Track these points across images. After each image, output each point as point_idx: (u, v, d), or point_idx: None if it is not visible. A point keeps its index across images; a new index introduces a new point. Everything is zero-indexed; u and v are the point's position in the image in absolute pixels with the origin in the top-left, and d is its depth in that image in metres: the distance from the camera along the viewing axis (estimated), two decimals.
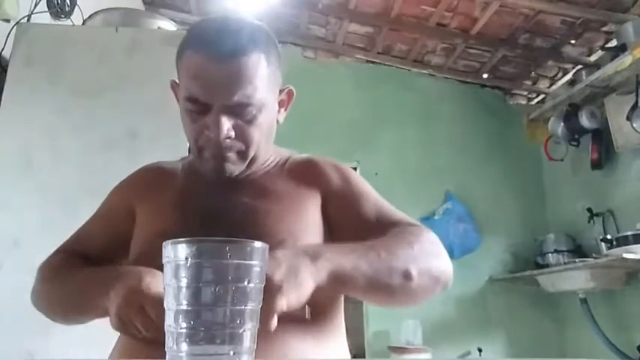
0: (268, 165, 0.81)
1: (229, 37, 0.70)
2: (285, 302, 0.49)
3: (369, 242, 0.65)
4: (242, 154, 0.73)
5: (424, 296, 0.68)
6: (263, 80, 0.71)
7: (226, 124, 0.69)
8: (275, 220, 0.71)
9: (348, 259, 0.59)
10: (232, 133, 0.70)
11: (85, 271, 0.74)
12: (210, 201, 0.74)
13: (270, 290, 0.46)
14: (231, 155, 0.72)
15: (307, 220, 0.74)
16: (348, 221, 0.76)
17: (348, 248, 0.62)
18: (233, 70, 0.68)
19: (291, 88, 0.82)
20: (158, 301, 0.48)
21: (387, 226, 0.73)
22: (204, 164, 0.74)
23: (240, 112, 0.70)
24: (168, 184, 0.80)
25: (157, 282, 0.57)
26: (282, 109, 0.81)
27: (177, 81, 0.79)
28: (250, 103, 0.70)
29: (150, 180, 0.83)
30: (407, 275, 0.63)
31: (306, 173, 0.80)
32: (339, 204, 0.77)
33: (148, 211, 0.78)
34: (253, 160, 0.76)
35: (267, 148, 0.80)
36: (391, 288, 0.63)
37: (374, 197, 0.79)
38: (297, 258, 0.55)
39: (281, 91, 0.79)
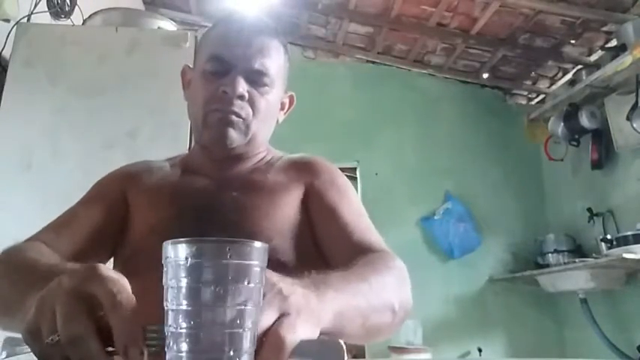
0: (261, 161, 0.83)
1: (258, 22, 0.81)
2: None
3: (358, 269, 0.60)
4: (246, 124, 0.76)
5: (392, 331, 0.64)
6: (279, 64, 0.79)
7: (243, 83, 0.74)
8: (263, 216, 0.72)
9: (347, 295, 0.53)
10: (246, 94, 0.74)
11: (35, 263, 0.61)
12: (204, 196, 0.75)
13: (282, 327, 0.40)
14: (238, 121, 0.75)
15: (294, 215, 0.75)
16: (323, 221, 0.76)
17: (343, 280, 0.55)
18: (258, 42, 0.77)
19: (293, 94, 0.87)
20: (73, 305, 0.41)
21: (359, 242, 0.71)
22: (208, 132, 0.76)
23: (256, 80, 0.76)
24: (159, 178, 0.81)
25: (84, 278, 0.43)
26: (282, 112, 0.86)
27: (191, 66, 0.85)
28: (267, 73, 0.76)
29: (139, 171, 0.83)
30: (393, 311, 0.60)
31: (295, 167, 0.82)
32: (319, 201, 0.77)
33: (141, 203, 0.77)
34: (251, 143, 0.78)
35: (265, 137, 0.82)
36: (379, 326, 0.59)
37: (356, 207, 0.78)
38: (305, 296, 0.46)
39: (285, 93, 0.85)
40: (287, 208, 0.75)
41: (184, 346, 0.35)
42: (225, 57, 0.75)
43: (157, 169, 0.83)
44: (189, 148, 1.41)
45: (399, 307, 0.61)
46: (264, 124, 0.79)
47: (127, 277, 0.68)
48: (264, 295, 0.39)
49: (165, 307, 0.37)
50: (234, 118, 0.74)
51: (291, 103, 0.87)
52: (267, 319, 0.40)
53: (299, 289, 0.45)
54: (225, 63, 0.75)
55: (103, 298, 0.41)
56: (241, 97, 0.74)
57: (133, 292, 0.67)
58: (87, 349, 0.40)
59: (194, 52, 0.85)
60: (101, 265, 0.44)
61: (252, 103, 0.75)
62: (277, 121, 0.84)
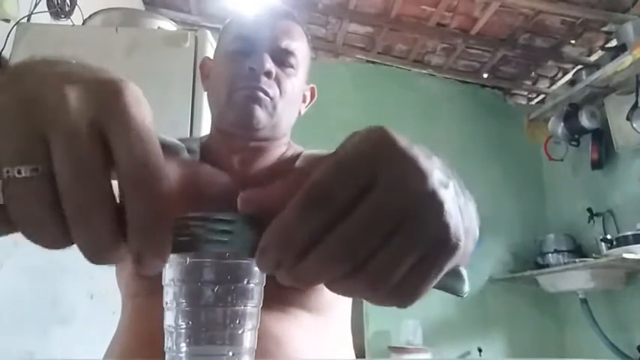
0: (284, 156, 0.79)
1: (283, 9, 0.81)
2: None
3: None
4: (273, 104, 0.72)
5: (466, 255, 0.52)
6: (304, 50, 0.78)
7: (270, 60, 0.71)
8: None
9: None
10: (273, 71, 0.72)
11: None
12: (227, 199, 0.69)
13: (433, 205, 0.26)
14: (265, 99, 0.71)
15: None
16: None
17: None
18: (284, 24, 0.76)
19: (314, 86, 0.85)
20: (87, 136, 0.24)
21: None
22: (233, 112, 0.72)
23: (282, 60, 0.74)
24: (179, 168, 0.72)
25: (104, 102, 0.26)
26: (304, 104, 0.84)
27: (212, 57, 0.83)
28: (293, 53, 0.74)
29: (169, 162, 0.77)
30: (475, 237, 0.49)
31: (314, 166, 0.79)
32: None
33: None
34: (275, 129, 0.74)
35: (289, 125, 0.79)
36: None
37: None
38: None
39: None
40: None
41: (184, 346, 0.35)
42: (250, 36, 0.74)
43: (175, 151, 0.75)
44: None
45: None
46: (290, 108, 0.76)
47: (139, 277, 0.65)
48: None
49: (165, 307, 0.37)
50: (261, 95, 0.71)
51: (312, 95, 0.85)
52: (408, 259, 0.26)
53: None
54: (251, 41, 0.73)
55: (124, 153, 0.25)
56: (268, 74, 0.71)
57: (146, 294, 0.64)
58: (90, 220, 0.24)
59: (207, 46, 0.83)
60: (132, 87, 0.27)
61: (278, 82, 0.73)
62: (299, 112, 0.82)
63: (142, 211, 0.25)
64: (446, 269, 0.27)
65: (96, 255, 0.26)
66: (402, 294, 0.27)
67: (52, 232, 0.25)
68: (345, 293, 0.28)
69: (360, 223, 0.25)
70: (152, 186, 0.25)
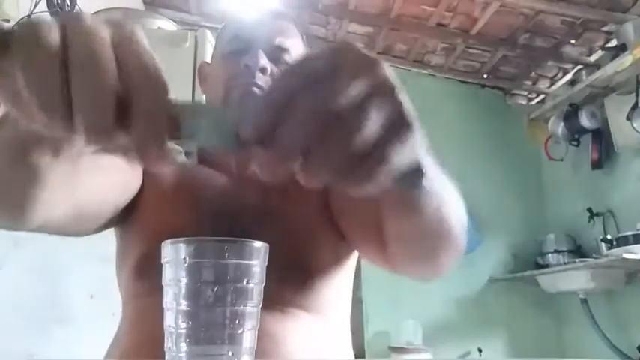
0: None
1: (278, 10, 0.84)
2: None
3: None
4: None
5: (450, 248, 0.57)
6: (299, 49, 0.79)
7: (264, 57, 0.73)
8: (289, 226, 0.67)
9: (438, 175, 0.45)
10: (268, 68, 0.72)
11: None
12: (223, 201, 0.69)
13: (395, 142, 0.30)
14: (260, 94, 0.72)
15: (321, 223, 0.70)
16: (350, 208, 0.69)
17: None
18: (278, 23, 0.78)
19: None
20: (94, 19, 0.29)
21: None
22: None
23: (277, 57, 0.74)
24: (176, 168, 0.72)
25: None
26: None
27: (209, 61, 0.85)
28: (288, 50, 0.76)
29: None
30: (464, 226, 0.53)
31: None
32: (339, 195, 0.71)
33: (157, 194, 0.70)
34: None
35: None
36: (447, 223, 0.51)
37: None
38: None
39: None
40: (317, 217, 0.71)
41: (184, 346, 0.36)
42: (245, 36, 0.75)
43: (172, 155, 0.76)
44: None
45: (462, 226, 0.54)
46: None
47: (139, 278, 0.66)
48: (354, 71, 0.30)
49: (165, 307, 0.37)
50: (256, 90, 0.71)
51: None
52: (371, 121, 0.29)
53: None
54: (246, 41, 0.75)
55: (135, 56, 0.29)
56: (263, 71, 0.72)
57: (146, 294, 0.63)
58: (97, 94, 0.27)
59: (208, 47, 0.85)
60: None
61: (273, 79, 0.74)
62: None
63: (149, 97, 0.28)
64: (407, 143, 0.31)
65: (94, 127, 0.27)
66: (374, 158, 0.30)
67: (55, 105, 0.27)
68: (337, 172, 0.30)
69: (327, 87, 0.29)
70: (157, 80, 0.29)
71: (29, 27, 0.28)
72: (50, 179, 0.41)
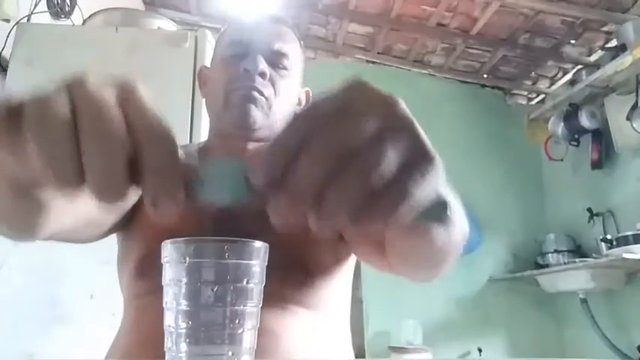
0: None
1: (275, 15, 0.84)
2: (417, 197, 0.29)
3: None
4: (268, 104, 0.74)
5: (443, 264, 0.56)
6: (297, 53, 0.81)
7: (263, 61, 0.74)
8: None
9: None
10: (267, 72, 0.74)
11: None
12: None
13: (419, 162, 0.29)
14: (260, 99, 0.73)
15: None
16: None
17: None
18: (276, 28, 0.79)
19: (309, 90, 0.87)
20: (100, 86, 0.30)
21: None
22: (229, 113, 0.74)
23: (275, 61, 0.76)
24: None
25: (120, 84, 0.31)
26: (299, 107, 0.85)
27: (209, 65, 0.85)
28: (286, 55, 0.77)
29: None
30: (465, 236, 0.51)
31: None
32: None
33: None
34: (272, 129, 0.75)
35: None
36: (455, 241, 0.49)
37: None
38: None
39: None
40: None
41: (184, 346, 0.36)
42: (244, 40, 0.76)
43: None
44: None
45: (464, 236, 0.52)
46: (285, 108, 0.78)
47: (140, 278, 0.66)
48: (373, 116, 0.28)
49: (165, 307, 0.37)
50: (256, 94, 0.73)
51: (307, 99, 0.87)
52: (390, 158, 0.28)
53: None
54: (245, 45, 0.76)
55: (142, 115, 0.29)
56: (262, 75, 0.73)
57: (147, 294, 0.64)
58: (108, 152, 0.27)
59: (213, 48, 0.85)
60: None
61: (272, 83, 0.75)
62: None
63: (158, 154, 0.29)
64: (429, 178, 0.29)
65: (107, 189, 0.28)
66: (393, 196, 0.28)
67: (66, 161, 0.27)
68: (352, 208, 0.28)
69: (340, 127, 0.28)
70: (166, 136, 0.29)
71: (38, 99, 0.29)
72: (56, 203, 0.41)
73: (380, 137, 0.28)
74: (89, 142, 0.27)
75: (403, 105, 0.30)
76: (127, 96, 0.30)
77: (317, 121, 0.28)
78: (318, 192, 0.27)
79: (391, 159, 0.28)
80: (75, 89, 0.29)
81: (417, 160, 0.29)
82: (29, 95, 0.30)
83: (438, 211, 0.34)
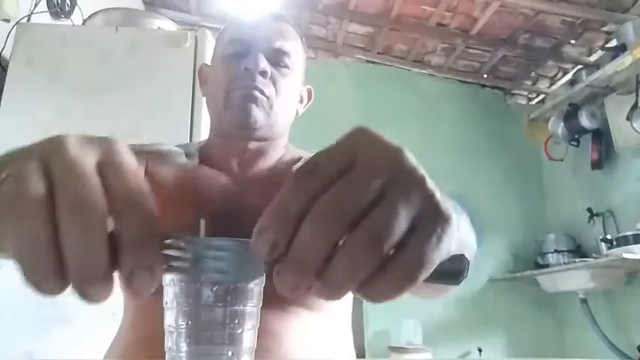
0: (282, 159, 0.79)
1: (277, 12, 0.82)
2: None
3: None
4: (270, 104, 0.73)
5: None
6: (298, 51, 0.79)
7: (264, 60, 0.73)
8: None
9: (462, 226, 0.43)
10: (268, 71, 0.73)
11: None
12: (225, 202, 0.69)
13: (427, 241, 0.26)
14: (262, 98, 0.72)
15: None
16: None
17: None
18: (277, 26, 0.78)
19: (311, 87, 0.86)
20: (85, 165, 0.28)
21: None
22: (230, 112, 0.73)
23: (276, 60, 0.75)
24: (179, 169, 0.73)
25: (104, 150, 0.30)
26: (301, 105, 0.85)
27: (209, 64, 0.84)
28: (287, 53, 0.76)
29: (158, 153, 0.75)
30: (474, 251, 0.53)
31: None
32: None
33: (161, 194, 0.68)
34: (273, 129, 0.74)
35: (286, 125, 0.79)
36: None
37: None
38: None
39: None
40: None
41: (184, 346, 0.36)
42: (245, 39, 0.75)
43: (173, 157, 0.76)
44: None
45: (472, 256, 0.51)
46: (287, 107, 0.77)
47: None
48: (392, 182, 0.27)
49: (165, 307, 0.37)
50: (257, 94, 0.72)
51: (309, 96, 0.86)
52: (401, 220, 0.26)
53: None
54: (246, 43, 0.75)
55: (120, 184, 0.28)
56: (263, 74, 0.72)
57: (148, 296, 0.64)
58: (89, 242, 0.26)
59: (208, 48, 0.84)
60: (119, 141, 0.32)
61: (274, 82, 0.74)
62: (297, 112, 0.83)
63: (133, 226, 0.27)
64: (444, 240, 0.27)
65: (90, 283, 0.26)
66: (406, 264, 0.26)
67: (46, 260, 0.26)
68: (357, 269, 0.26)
69: (346, 188, 0.26)
70: (141, 203, 0.28)
71: (15, 172, 0.28)
72: None
73: (388, 196, 0.26)
74: (68, 231, 0.26)
75: (410, 155, 0.28)
76: (107, 160, 0.29)
77: (319, 181, 0.26)
78: (323, 259, 0.25)
79: (402, 220, 0.26)
80: (53, 159, 0.28)
81: (431, 220, 0.27)
82: (5, 162, 0.29)
83: (454, 271, 0.32)
